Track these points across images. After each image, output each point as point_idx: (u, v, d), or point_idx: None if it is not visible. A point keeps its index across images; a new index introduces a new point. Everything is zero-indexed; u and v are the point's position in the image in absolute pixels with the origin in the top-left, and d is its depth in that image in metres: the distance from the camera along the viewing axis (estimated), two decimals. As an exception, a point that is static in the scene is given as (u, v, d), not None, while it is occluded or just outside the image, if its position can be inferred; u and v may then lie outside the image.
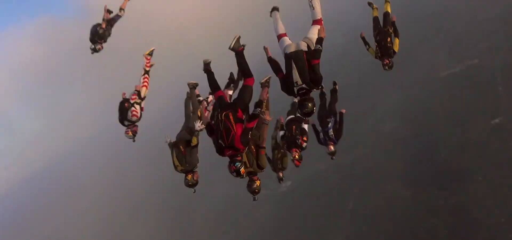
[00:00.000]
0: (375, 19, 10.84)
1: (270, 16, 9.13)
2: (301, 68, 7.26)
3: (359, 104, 60.95)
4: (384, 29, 10.29)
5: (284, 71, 7.61)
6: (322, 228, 51.52)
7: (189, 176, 9.70)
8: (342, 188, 55.19)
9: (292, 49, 7.77)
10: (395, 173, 54.11)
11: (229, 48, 7.95)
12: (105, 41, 12.16)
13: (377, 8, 11.10)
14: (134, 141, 11.33)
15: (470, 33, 69.98)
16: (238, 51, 7.97)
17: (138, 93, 11.60)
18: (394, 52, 9.99)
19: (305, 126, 11.22)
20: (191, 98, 10.75)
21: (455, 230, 41.98)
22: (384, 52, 9.97)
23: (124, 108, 11.27)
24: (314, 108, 7.59)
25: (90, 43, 12.01)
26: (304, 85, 7.31)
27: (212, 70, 8.58)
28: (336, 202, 53.57)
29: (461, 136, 52.07)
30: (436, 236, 43.24)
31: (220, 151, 7.58)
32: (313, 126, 8.67)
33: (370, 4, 11.34)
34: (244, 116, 7.66)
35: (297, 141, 10.64)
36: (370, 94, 66.47)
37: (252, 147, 8.74)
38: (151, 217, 67.10)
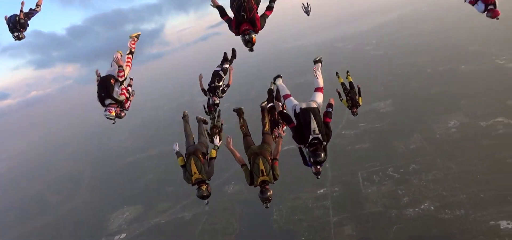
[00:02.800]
0: (342, 84, 14.93)
1: (274, 82, 10.90)
2: (318, 121, 8.36)
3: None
4: (353, 90, 14.42)
5: (296, 122, 8.63)
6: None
7: (204, 187, 9.54)
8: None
9: (305, 106, 8.80)
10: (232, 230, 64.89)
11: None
12: (25, 30, 11.65)
13: (340, 77, 15.37)
14: (114, 123, 10.25)
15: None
16: None
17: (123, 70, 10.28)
18: (359, 105, 14.56)
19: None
20: (200, 128, 11.73)
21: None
22: (353, 104, 14.29)
23: (109, 83, 9.85)
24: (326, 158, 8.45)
25: (12, 33, 11.54)
26: (319, 136, 8.25)
27: None
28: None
29: (293, 202, 65.75)
30: None
31: (238, 24, 8.31)
32: (299, 148, 9.47)
33: (336, 73, 15.76)
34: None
35: (279, 124, 11.55)
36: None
37: (268, 157, 9.36)
38: None
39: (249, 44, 8.28)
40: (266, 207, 9.54)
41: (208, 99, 12.59)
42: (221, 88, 12.24)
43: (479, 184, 56.04)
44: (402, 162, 67.64)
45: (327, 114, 8.93)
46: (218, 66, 12.70)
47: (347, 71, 15.42)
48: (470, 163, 60.93)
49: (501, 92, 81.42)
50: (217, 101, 12.27)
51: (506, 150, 60.20)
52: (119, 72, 10.05)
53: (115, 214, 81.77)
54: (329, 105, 9.22)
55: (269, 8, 8.61)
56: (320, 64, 9.98)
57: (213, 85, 12.15)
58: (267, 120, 10.94)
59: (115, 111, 9.94)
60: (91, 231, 77.38)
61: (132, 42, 11.13)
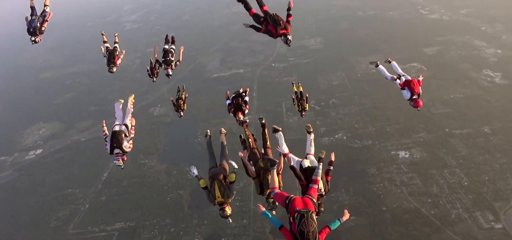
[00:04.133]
0: (295, 93, 17.11)
1: (274, 133, 12.11)
2: (324, 181, 9.98)
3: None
4: (302, 98, 16.75)
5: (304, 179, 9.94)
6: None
7: (227, 208, 10.46)
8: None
9: (308, 164, 10.47)
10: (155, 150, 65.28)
11: None
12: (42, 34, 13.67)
13: (295, 86, 17.58)
14: (122, 168, 12.32)
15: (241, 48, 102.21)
16: None
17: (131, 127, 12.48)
18: (306, 110, 16.70)
19: (247, 98, 14.04)
20: (222, 143, 12.52)
21: (196, 199, 51.68)
22: (302, 108, 16.57)
23: (121, 138, 11.91)
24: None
25: (30, 35, 13.38)
26: (324, 194, 9.85)
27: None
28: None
29: (217, 126, 64.21)
30: (181, 204, 51.57)
31: (276, 31, 10.91)
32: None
33: (293, 83, 18.22)
34: None
35: (242, 107, 13.60)
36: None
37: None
38: None
39: (289, 42, 11.07)
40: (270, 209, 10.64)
41: (154, 65, 17.02)
42: (174, 62, 15.74)
43: (387, 119, 61.65)
44: (324, 96, 71.43)
45: (328, 172, 10.55)
46: (165, 45, 16.01)
47: (299, 82, 17.88)
48: (382, 101, 66.35)
49: (419, 40, 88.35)
50: (170, 73, 15.48)
51: (414, 91, 66.62)
52: (130, 132, 12.19)
53: (29, 130, 76.64)
54: (330, 163, 10.73)
55: (289, 16, 11.23)
56: (311, 135, 11.86)
57: (168, 58, 15.62)
58: (268, 136, 12.21)
59: (122, 159, 11.85)
60: (2, 146, 72.12)
61: (131, 104, 12.93)
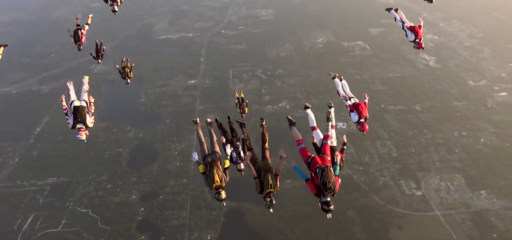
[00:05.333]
0: (237, 98, 18.39)
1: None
2: (340, 159, 11.03)
3: None
4: (243, 103, 18.24)
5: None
6: None
7: (223, 192, 10.85)
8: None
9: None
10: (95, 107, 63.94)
11: None
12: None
13: (237, 92, 18.89)
14: (85, 143, 12.56)
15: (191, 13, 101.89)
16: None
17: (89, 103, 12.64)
18: (246, 112, 18.29)
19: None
20: (210, 132, 13.02)
21: (136, 157, 51.66)
22: (242, 111, 18.11)
23: (84, 113, 12.02)
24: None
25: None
26: (340, 168, 10.61)
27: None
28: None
29: (162, 88, 67.14)
30: (119, 162, 50.85)
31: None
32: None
33: (235, 90, 19.86)
34: None
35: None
36: None
37: (273, 174, 11.11)
38: None
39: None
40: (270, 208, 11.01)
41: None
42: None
43: (329, 92, 63.59)
44: (270, 66, 72.27)
45: (342, 150, 11.97)
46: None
47: (241, 90, 20.05)
48: (326, 75, 67.65)
49: (366, 20, 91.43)
50: (117, 9, 16.63)
51: (356, 67, 70.78)
52: (90, 109, 12.34)
53: (-51, 79, 70.06)
54: (344, 143, 12.34)
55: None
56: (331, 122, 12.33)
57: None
58: (267, 137, 12.88)
59: (84, 134, 12.04)
60: None
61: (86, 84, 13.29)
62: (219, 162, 11.36)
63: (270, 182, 10.84)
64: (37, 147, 53.94)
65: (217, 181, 10.89)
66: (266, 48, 79.71)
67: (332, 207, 9.71)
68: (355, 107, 12.63)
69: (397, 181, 45.82)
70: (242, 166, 12.29)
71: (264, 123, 13.81)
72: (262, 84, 66.81)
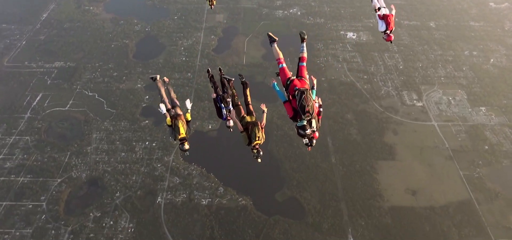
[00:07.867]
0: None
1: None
2: (316, 120, 9.95)
3: None
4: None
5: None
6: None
7: (187, 144, 11.55)
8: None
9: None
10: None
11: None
12: None
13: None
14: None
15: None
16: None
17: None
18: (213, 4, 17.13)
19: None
20: (168, 87, 13.34)
21: (142, 49, 51.97)
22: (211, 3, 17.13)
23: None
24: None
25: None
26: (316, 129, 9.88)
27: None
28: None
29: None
30: (126, 52, 50.93)
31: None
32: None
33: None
34: None
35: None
36: None
37: (260, 126, 11.33)
38: None
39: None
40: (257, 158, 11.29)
41: None
42: None
43: (343, 2, 61.94)
44: (285, -29, 69.31)
45: (319, 113, 10.58)
46: None
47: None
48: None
49: None
50: None
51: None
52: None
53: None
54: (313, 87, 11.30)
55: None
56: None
57: None
58: (248, 94, 12.74)
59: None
60: None
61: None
62: (183, 116, 12.13)
63: (258, 134, 11.26)
64: (44, 32, 54.44)
65: (182, 133, 11.69)
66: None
67: (308, 131, 9.45)
68: (384, 18, 13.12)
69: (399, 91, 45.98)
70: (231, 123, 12.65)
71: (245, 80, 13.48)
72: (274, -12, 64.78)
